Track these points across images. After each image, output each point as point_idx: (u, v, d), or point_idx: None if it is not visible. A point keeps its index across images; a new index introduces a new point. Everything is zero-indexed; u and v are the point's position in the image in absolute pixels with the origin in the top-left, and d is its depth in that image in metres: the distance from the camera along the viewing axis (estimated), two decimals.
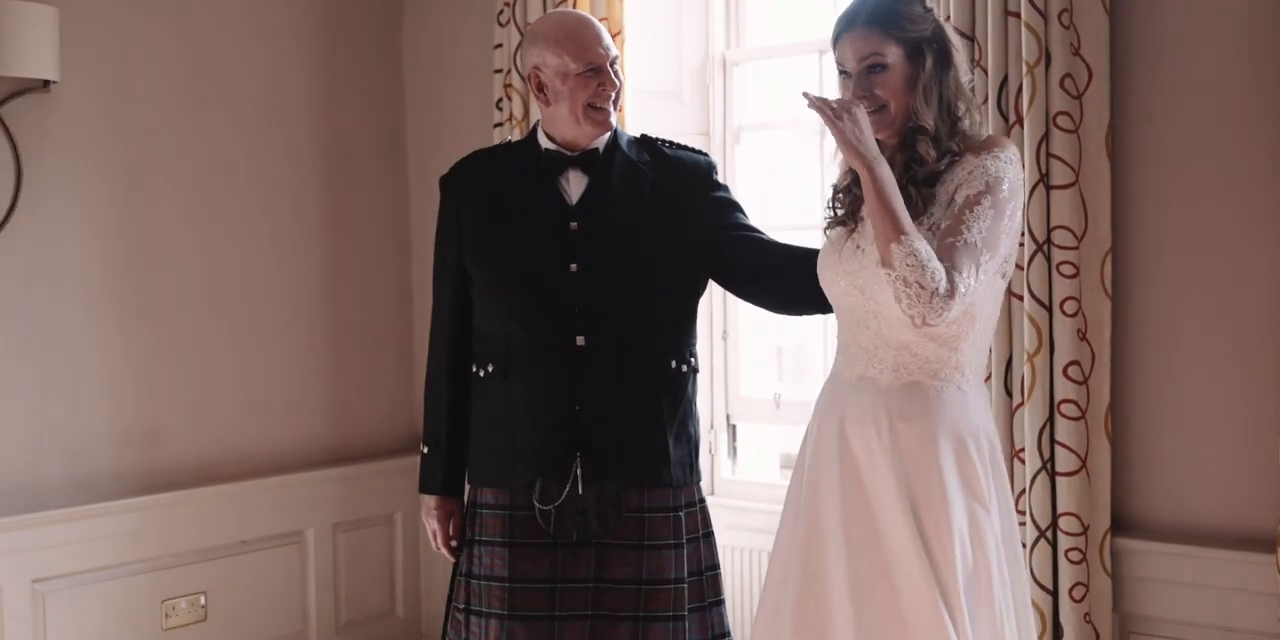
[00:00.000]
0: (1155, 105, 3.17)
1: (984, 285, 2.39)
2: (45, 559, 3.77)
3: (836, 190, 2.63)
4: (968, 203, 2.39)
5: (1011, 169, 2.43)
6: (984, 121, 2.55)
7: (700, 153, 3.00)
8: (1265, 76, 3.02)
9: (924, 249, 2.30)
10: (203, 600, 4.12)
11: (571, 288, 2.78)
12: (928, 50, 2.48)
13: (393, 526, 4.62)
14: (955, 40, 2.55)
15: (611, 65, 2.82)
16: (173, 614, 4.04)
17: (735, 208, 2.94)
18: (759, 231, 2.90)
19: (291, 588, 4.36)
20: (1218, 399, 3.14)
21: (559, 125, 2.86)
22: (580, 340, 2.77)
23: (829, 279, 2.59)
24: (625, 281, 2.78)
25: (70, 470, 3.89)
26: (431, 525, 2.99)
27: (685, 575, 2.84)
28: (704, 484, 4.11)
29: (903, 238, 2.30)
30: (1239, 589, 3.08)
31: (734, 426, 4.26)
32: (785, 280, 2.81)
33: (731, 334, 4.21)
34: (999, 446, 2.56)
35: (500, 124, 4.14)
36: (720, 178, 3.00)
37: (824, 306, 2.69)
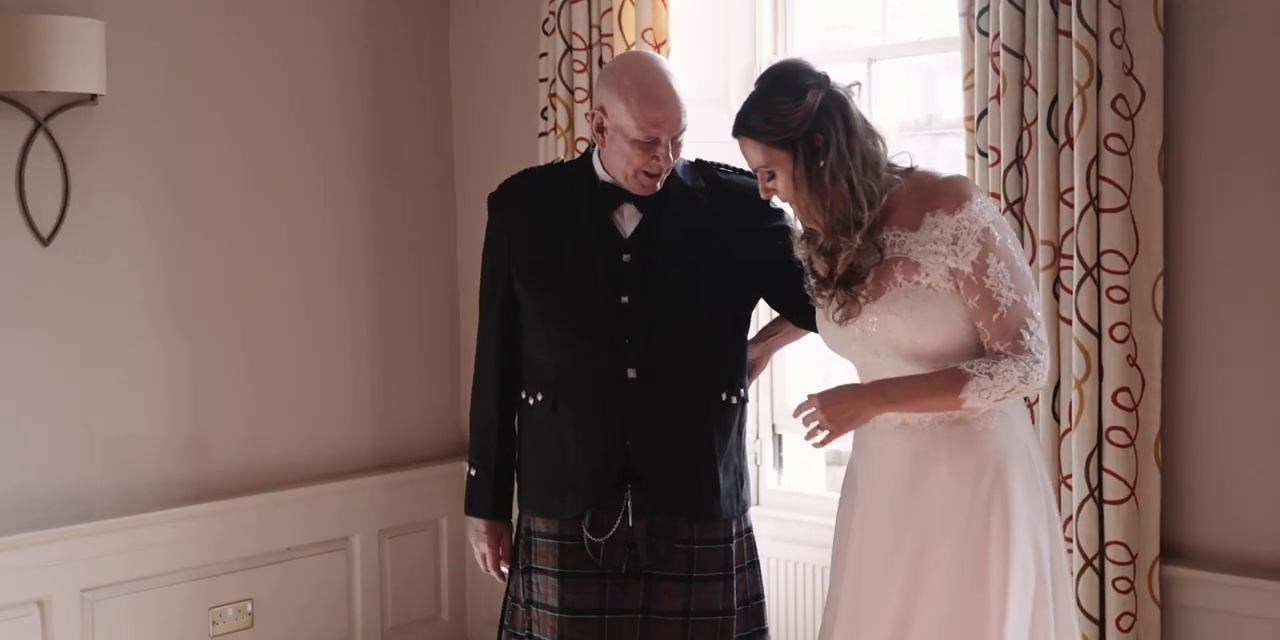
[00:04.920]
0: (1210, 126, 3.10)
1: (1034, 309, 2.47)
2: (94, 568, 3.81)
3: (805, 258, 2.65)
4: (977, 270, 2.43)
5: (986, 213, 2.46)
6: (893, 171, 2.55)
7: (756, 177, 2.92)
8: None
9: (980, 378, 2.39)
10: (249, 607, 4.15)
11: (622, 320, 2.75)
12: (802, 149, 2.47)
13: (438, 532, 4.63)
14: (837, 113, 2.47)
15: (675, 138, 2.73)
16: (220, 621, 4.08)
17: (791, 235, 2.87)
18: None
19: (337, 594, 4.39)
20: (1272, 425, 3.07)
21: (611, 168, 2.79)
22: (631, 373, 2.74)
23: (836, 345, 2.63)
24: (677, 314, 2.74)
25: (118, 480, 3.92)
26: (481, 548, 2.99)
27: (734, 606, 2.83)
28: (749, 495, 4.15)
29: (960, 398, 2.40)
30: None
31: (780, 436, 4.24)
32: None
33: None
34: (1042, 459, 2.61)
35: (545, 133, 4.12)
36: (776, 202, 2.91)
37: None
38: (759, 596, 2.90)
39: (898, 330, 2.48)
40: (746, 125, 2.53)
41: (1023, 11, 3.16)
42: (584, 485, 2.77)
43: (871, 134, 2.51)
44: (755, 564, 2.91)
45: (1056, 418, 3.17)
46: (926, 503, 2.51)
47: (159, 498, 4.00)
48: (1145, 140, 3.07)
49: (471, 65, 4.64)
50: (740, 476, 2.87)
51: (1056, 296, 3.15)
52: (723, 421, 2.82)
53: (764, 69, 4.10)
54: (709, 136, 4.05)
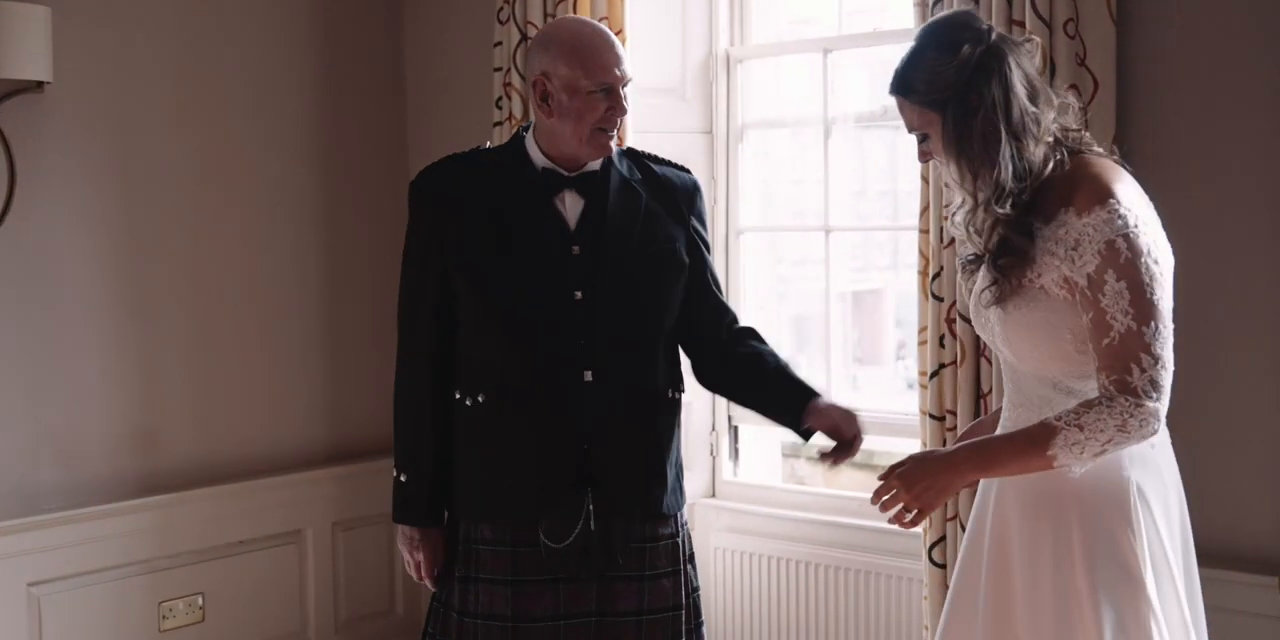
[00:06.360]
0: (1162, 117, 3.12)
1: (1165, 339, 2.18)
2: (41, 562, 3.76)
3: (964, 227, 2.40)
4: (1093, 285, 2.17)
5: (1117, 222, 2.17)
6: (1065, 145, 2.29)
7: (685, 170, 2.87)
8: (1275, 87, 2.96)
9: (1069, 431, 2.15)
10: (200, 601, 4.11)
11: (576, 318, 2.65)
12: (952, 110, 2.25)
13: (391, 524, 4.56)
14: (995, 70, 2.23)
15: (623, 87, 2.65)
16: (170, 616, 4.03)
17: (706, 247, 2.84)
18: (717, 291, 2.84)
19: (290, 587, 4.35)
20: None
21: (558, 141, 2.68)
22: (588, 375, 2.65)
23: (979, 328, 2.45)
24: (631, 311, 2.67)
25: (66, 473, 3.88)
26: (416, 557, 2.83)
27: (683, 601, 2.79)
28: (705, 486, 4.15)
29: (1049, 455, 2.17)
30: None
31: (735, 428, 4.23)
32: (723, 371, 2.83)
33: None
34: (1172, 495, 2.35)
35: (500, 123, 4.09)
36: (704, 198, 2.86)
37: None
38: (697, 589, 2.87)
39: (1002, 326, 2.32)
40: (899, 83, 2.32)
41: (976, 1, 3.16)
42: (535, 491, 2.68)
43: (1038, 96, 2.26)
44: (692, 557, 2.87)
45: None
46: (997, 536, 2.35)
47: (108, 491, 3.95)
48: (1098, 130, 3.07)
49: (426, 54, 4.61)
50: (680, 469, 2.83)
51: None
52: (670, 419, 2.78)
53: (724, 59, 4.13)
54: (664, 127, 4.06)
